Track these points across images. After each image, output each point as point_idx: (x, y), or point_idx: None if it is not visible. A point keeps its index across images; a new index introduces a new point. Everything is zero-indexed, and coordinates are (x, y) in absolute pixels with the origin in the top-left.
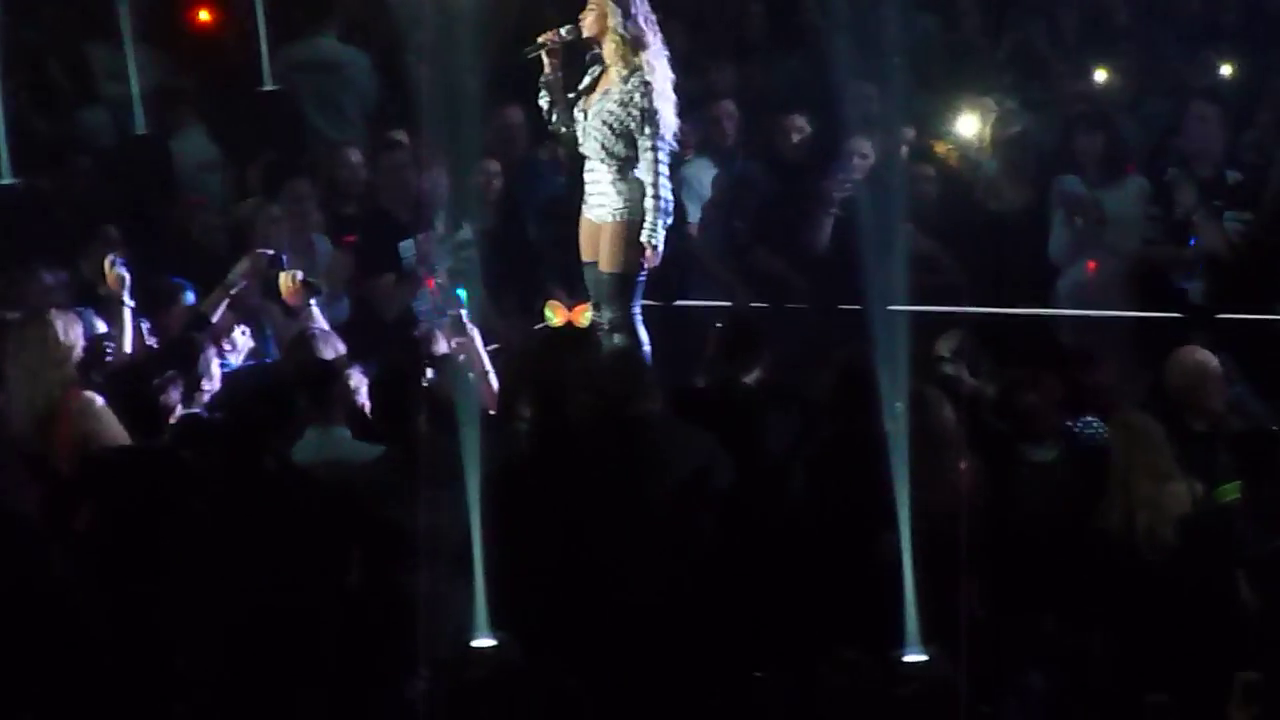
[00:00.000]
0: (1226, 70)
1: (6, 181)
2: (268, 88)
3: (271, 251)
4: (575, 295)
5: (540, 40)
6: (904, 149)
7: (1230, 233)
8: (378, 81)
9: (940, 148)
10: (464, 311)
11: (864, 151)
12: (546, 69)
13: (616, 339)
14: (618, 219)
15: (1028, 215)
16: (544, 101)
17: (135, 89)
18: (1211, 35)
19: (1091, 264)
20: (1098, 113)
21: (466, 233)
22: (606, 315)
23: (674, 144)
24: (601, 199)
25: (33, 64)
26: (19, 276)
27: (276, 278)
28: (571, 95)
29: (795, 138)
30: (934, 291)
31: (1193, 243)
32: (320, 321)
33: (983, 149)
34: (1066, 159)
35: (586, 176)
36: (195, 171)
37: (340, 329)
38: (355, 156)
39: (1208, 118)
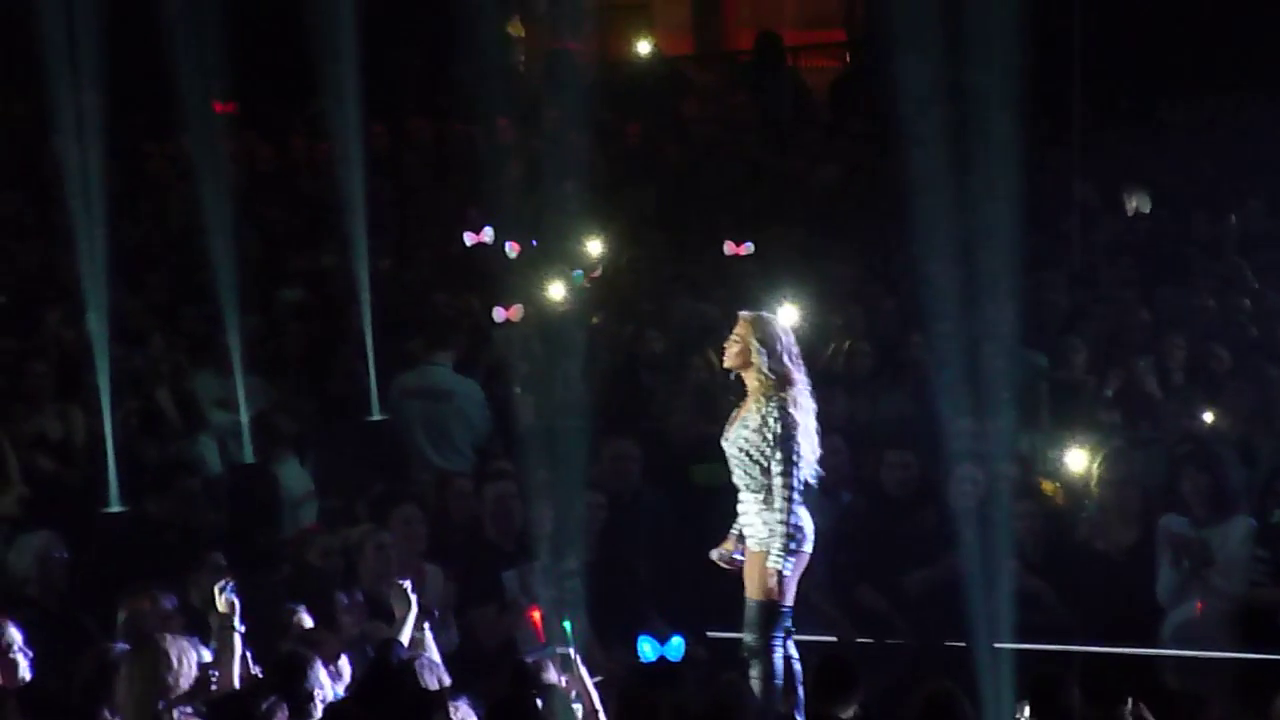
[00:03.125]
0: None
1: (116, 509)
2: (376, 417)
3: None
4: (680, 628)
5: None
6: (1009, 485)
7: None
8: (489, 411)
9: (1046, 484)
10: (571, 649)
11: (976, 478)
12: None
13: (754, 668)
14: (761, 548)
15: (1134, 554)
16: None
17: (244, 418)
18: None
19: (1199, 605)
20: (1205, 452)
21: (571, 563)
22: (748, 642)
23: (814, 476)
24: (750, 529)
25: (142, 392)
26: (138, 603)
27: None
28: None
29: (900, 473)
30: (1039, 630)
31: None
32: (431, 649)
33: (1089, 486)
34: (1173, 498)
35: (739, 507)
36: (301, 501)
37: (443, 659)
38: (464, 485)
39: None
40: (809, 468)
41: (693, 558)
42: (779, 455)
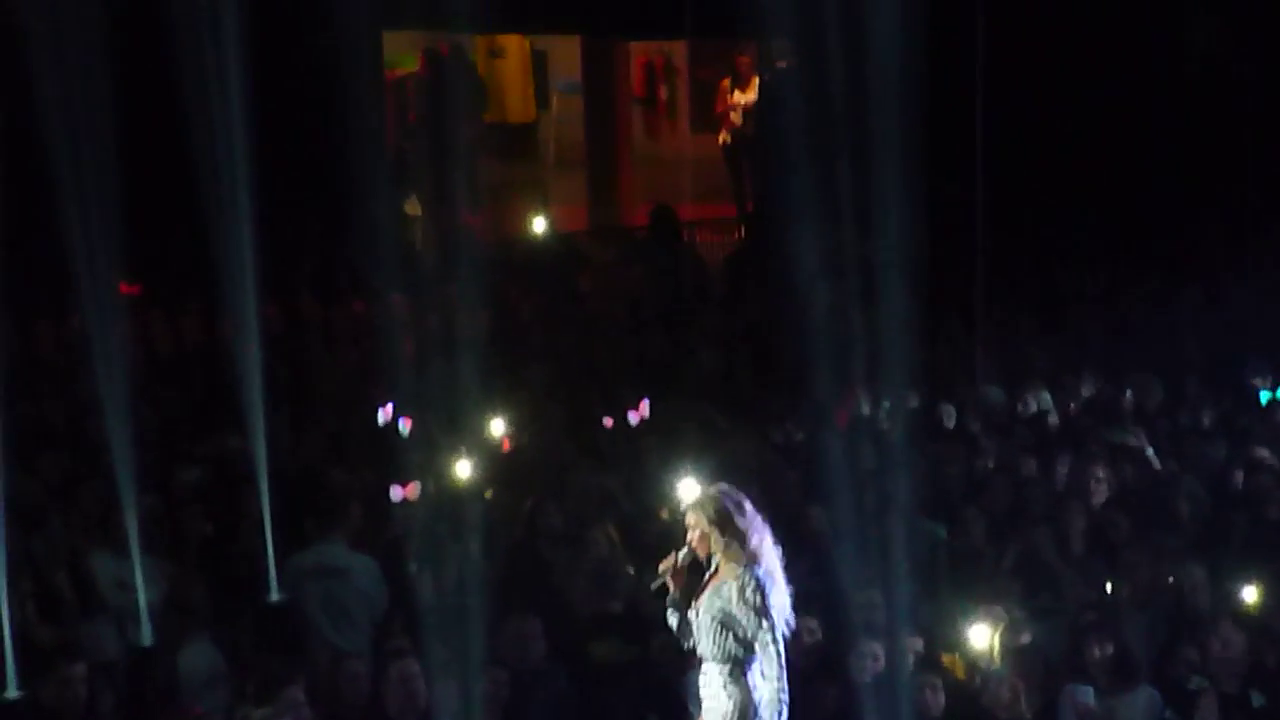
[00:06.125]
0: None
1: (12, 695)
2: (274, 598)
3: None
4: None
5: (662, 569)
6: (911, 657)
7: None
8: (385, 587)
9: (948, 657)
10: None
11: (875, 653)
12: (672, 589)
13: None
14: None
15: None
16: (673, 620)
17: (142, 600)
18: (1218, 543)
19: None
20: (1107, 622)
21: None
22: None
23: (788, 629)
24: (712, 702)
25: (39, 574)
26: None
27: None
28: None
29: (805, 640)
30: None
31: None
32: None
33: (992, 658)
34: (1077, 668)
35: (700, 679)
36: (201, 685)
37: None
38: (356, 666)
39: (1232, 640)
40: (781, 622)
41: None
42: (763, 624)
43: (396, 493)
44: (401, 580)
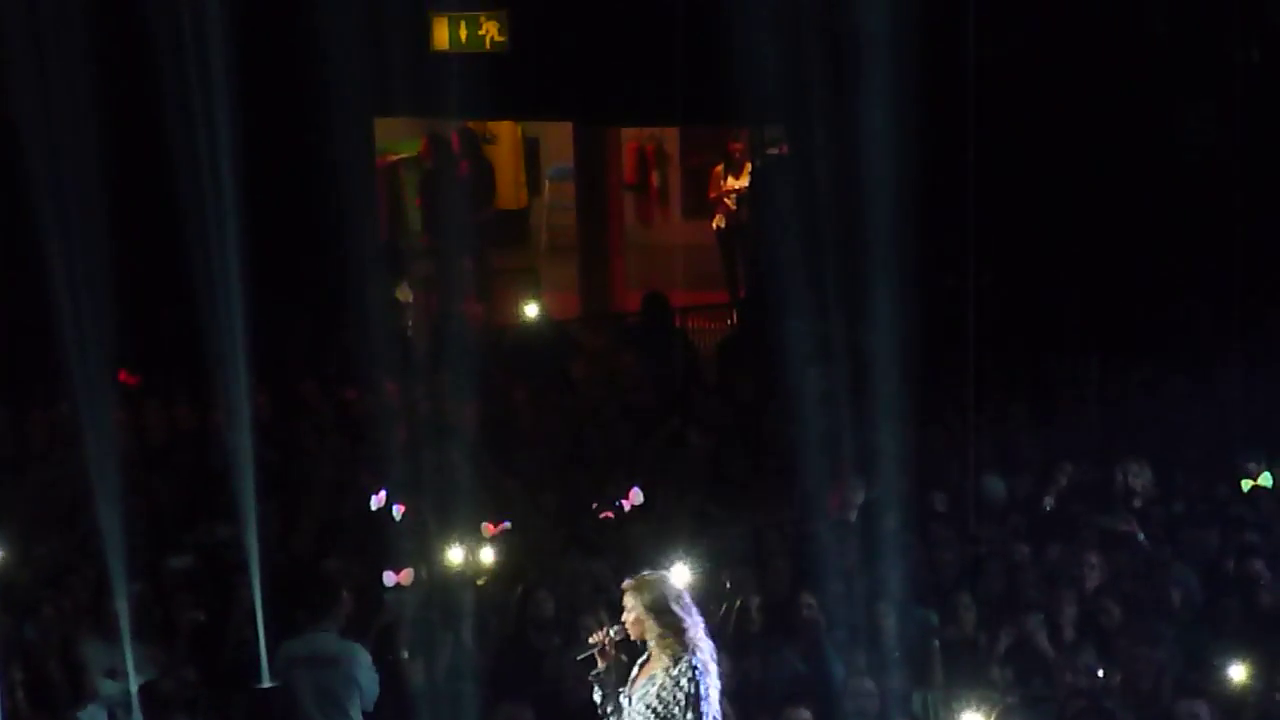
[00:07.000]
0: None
1: None
2: (265, 685)
3: None
4: None
5: (592, 640)
6: None
7: None
8: (377, 674)
9: None
10: None
11: None
12: (599, 664)
13: None
14: None
15: None
16: (597, 696)
17: (133, 688)
18: (1215, 630)
19: None
20: (1098, 709)
21: None
22: None
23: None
24: None
25: (30, 662)
26: None
27: None
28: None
29: None
30: None
31: None
32: None
33: None
34: None
35: None
36: None
37: None
38: None
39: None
40: (715, 711)
41: None
42: (689, 715)
43: (390, 578)
44: (393, 668)
